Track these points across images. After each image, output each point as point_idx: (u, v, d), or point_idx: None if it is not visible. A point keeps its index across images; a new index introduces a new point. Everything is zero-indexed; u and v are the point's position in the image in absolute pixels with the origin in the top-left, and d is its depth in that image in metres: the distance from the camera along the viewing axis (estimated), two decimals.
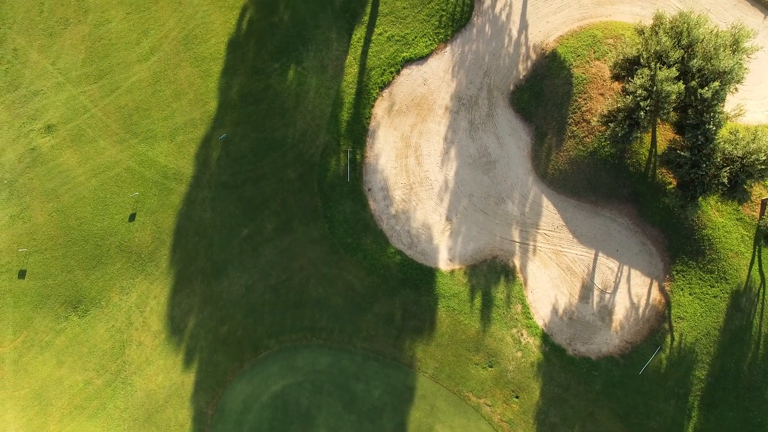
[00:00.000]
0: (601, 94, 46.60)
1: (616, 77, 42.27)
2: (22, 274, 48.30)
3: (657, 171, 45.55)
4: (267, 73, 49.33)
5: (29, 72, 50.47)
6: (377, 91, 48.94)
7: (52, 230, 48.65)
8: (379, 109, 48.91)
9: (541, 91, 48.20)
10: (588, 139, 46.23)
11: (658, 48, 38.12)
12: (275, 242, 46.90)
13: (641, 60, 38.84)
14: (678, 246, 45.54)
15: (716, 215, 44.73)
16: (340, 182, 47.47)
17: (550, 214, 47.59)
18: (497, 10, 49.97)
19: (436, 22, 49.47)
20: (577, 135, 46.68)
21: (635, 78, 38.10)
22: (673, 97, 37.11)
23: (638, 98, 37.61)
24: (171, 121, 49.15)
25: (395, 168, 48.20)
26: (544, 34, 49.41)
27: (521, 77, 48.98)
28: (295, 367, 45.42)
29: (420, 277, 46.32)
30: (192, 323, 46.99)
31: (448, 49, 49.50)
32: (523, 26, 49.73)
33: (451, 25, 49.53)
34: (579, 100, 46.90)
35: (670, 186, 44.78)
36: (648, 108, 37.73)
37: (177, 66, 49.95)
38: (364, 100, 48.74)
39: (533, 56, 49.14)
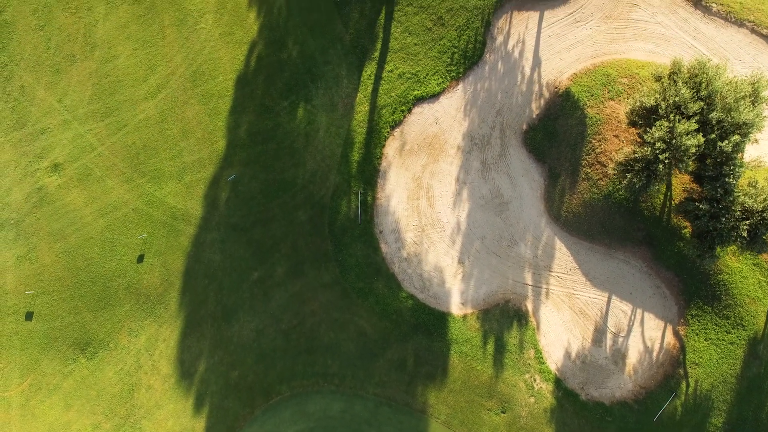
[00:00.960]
0: (616, 136, 45.98)
1: (632, 124, 41.65)
2: (29, 316, 47.79)
3: (672, 215, 44.97)
4: (276, 111, 48.66)
5: (36, 109, 49.78)
6: (388, 130, 48.30)
7: (59, 271, 48.09)
8: (390, 148, 48.28)
9: (555, 131, 47.56)
10: (602, 182, 45.64)
11: (677, 99, 37.48)
12: (286, 286, 46.37)
13: (659, 110, 38.21)
14: (693, 290, 45.03)
15: (732, 260, 44.20)
16: (351, 225, 46.89)
17: (563, 256, 47.06)
18: (510, 46, 49.27)
19: (448, 59, 48.76)
20: (591, 177, 46.08)
21: (654, 130, 37.48)
22: (693, 150, 36.51)
23: (657, 151, 37.01)
24: (179, 161, 48.51)
25: (407, 210, 47.62)
26: (558, 72, 48.72)
27: (534, 116, 48.33)
28: (307, 413, 45.03)
29: (432, 322, 45.84)
30: (202, 367, 46.54)
31: (460, 87, 48.81)
32: (536, 63, 49.03)
33: (463, 63, 48.82)
34: (593, 141, 46.27)
35: (685, 230, 44.23)
36: (667, 161, 37.14)
37: (184, 104, 49.26)
38: (375, 140, 48.10)
39: (546, 94, 48.47)
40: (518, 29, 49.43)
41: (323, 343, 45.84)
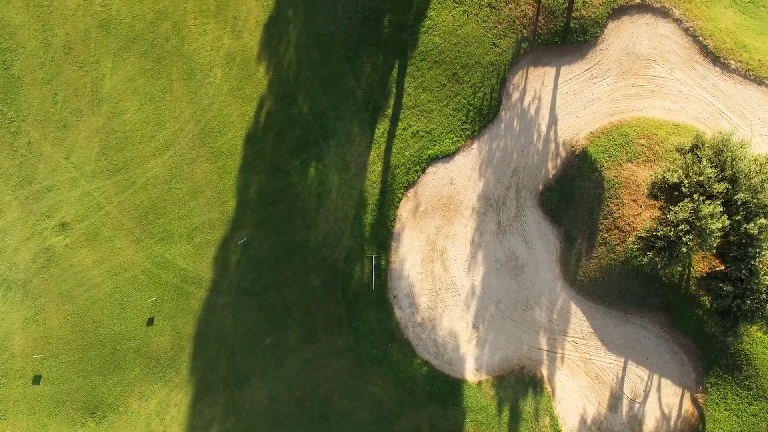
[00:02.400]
0: (634, 200, 45.17)
1: (653, 197, 40.80)
2: (36, 380, 47.11)
3: (691, 282, 44.25)
4: (287, 170, 47.80)
5: (43, 166, 48.93)
6: (402, 191, 47.46)
7: (67, 334, 47.38)
8: (404, 210, 47.46)
9: (572, 193, 46.75)
10: (620, 248, 44.87)
11: (700, 178, 36.65)
12: (299, 352, 45.66)
13: (682, 188, 37.36)
14: (712, 358, 44.38)
15: (754, 329, 43.54)
16: (365, 290, 46.15)
17: (578, 320, 46.37)
18: (526, 103, 48.37)
19: (463, 117, 47.87)
20: (608, 242, 45.30)
21: (677, 210, 36.62)
22: (718, 233, 35.73)
23: (680, 232, 36.20)
24: (188, 221, 47.68)
25: (421, 273, 46.86)
26: (574, 130, 47.86)
27: (550, 176, 47.50)
28: None
29: (447, 389, 45.19)
30: None
31: (475, 145, 47.95)
32: (553, 121, 48.16)
33: (479, 120, 47.93)
34: (611, 205, 45.45)
35: (704, 297, 43.57)
36: (690, 242, 36.37)
37: (193, 161, 48.40)
38: (388, 201, 47.27)
39: (563, 154, 47.64)
40: (534, 85, 48.53)
41: (337, 411, 45.21)
